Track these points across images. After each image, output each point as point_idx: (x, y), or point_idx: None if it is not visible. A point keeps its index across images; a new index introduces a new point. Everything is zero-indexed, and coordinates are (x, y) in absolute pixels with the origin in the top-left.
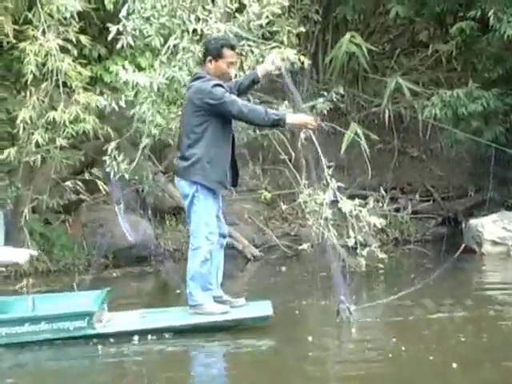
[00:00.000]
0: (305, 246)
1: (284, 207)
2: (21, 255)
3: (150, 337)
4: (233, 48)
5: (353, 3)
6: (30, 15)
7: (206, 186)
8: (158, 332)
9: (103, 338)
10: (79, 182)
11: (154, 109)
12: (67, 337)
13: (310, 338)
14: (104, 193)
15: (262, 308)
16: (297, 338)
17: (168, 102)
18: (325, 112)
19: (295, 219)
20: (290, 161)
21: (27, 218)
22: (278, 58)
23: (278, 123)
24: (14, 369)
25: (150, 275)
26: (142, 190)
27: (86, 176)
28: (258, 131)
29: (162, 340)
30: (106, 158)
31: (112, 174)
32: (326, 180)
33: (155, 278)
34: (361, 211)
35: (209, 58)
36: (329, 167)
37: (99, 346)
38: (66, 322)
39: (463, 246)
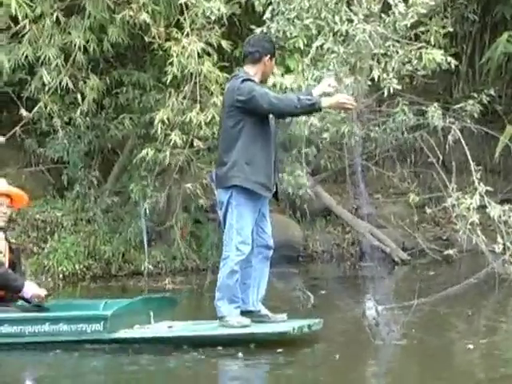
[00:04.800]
0: (450, 251)
1: (429, 211)
2: (41, 293)
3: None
4: None
5: None
6: (181, 19)
7: (246, 188)
8: (172, 342)
9: (119, 343)
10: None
11: None
12: (85, 340)
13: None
14: None
15: (286, 325)
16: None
17: None
18: (475, 114)
19: (447, 223)
20: (438, 163)
21: (178, 216)
22: (334, 81)
23: (313, 108)
24: None
25: (295, 276)
26: (289, 192)
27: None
28: (406, 133)
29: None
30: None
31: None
32: (474, 184)
33: (300, 278)
34: (510, 217)
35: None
36: (477, 171)
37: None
38: (83, 324)
39: None
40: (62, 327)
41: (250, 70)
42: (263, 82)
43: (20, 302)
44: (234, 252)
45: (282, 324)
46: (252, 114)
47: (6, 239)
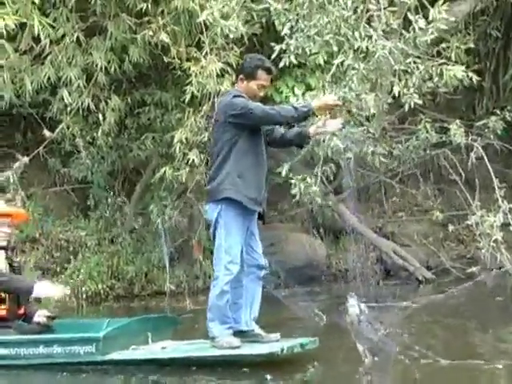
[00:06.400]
0: (474, 269)
1: (451, 228)
2: (57, 291)
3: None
4: (268, 71)
5: None
6: (202, 38)
7: (236, 201)
8: (161, 363)
9: (113, 365)
10: None
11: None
12: (78, 362)
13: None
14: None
15: (275, 345)
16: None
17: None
18: (498, 131)
19: (471, 241)
20: (461, 180)
21: (200, 236)
22: (336, 124)
23: (308, 114)
24: None
25: (319, 295)
26: (312, 210)
27: None
28: (429, 151)
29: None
30: (293, 181)
31: (298, 196)
32: (498, 202)
33: (324, 298)
34: None
35: (241, 76)
36: (501, 188)
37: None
38: (76, 347)
39: None
40: (56, 349)
41: (239, 87)
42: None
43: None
44: (222, 272)
45: (271, 344)
46: (245, 129)
47: (7, 258)
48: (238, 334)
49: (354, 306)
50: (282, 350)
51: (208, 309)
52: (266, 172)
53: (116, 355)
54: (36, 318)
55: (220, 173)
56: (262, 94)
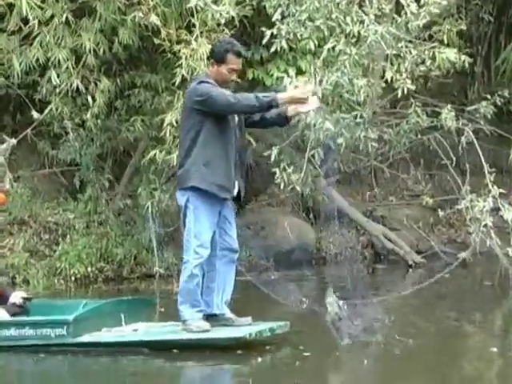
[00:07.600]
0: (463, 254)
1: (441, 213)
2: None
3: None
4: (238, 55)
5: None
6: (193, 20)
7: (203, 189)
8: (131, 346)
9: (84, 347)
10: None
11: (320, 115)
12: (50, 344)
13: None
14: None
15: (243, 329)
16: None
17: (333, 107)
18: (488, 115)
19: (462, 225)
20: (452, 165)
21: None
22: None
23: (271, 105)
24: None
25: (308, 279)
26: (302, 194)
27: None
28: (420, 135)
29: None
30: (276, 170)
31: (282, 186)
32: (488, 186)
33: (312, 282)
34: None
35: (212, 61)
36: (491, 173)
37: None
38: (47, 329)
39: None
40: (27, 332)
41: (211, 72)
42: (222, 86)
43: None
44: (192, 256)
45: (241, 328)
46: (211, 115)
47: None
48: (210, 317)
49: (333, 304)
50: (250, 334)
51: (179, 292)
52: (242, 158)
53: (87, 337)
54: (12, 299)
55: (187, 160)
56: (233, 78)
